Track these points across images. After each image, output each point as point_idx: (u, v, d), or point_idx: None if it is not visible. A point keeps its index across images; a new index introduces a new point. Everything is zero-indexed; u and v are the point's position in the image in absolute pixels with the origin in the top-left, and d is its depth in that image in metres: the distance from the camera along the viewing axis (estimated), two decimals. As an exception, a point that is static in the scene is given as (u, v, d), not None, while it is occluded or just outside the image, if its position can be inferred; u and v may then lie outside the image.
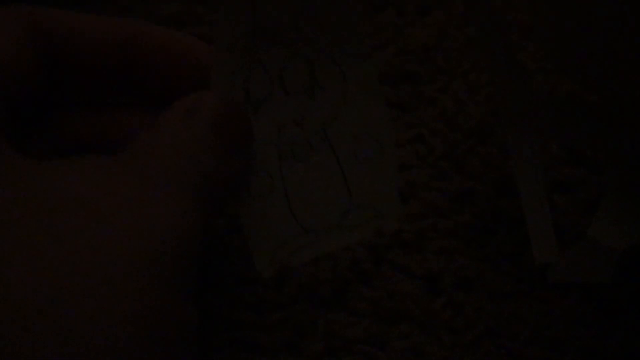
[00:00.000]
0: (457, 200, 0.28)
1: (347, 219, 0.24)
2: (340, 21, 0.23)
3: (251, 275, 0.26)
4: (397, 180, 0.25)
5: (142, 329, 0.18)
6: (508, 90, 0.25)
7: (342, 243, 0.25)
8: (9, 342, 0.17)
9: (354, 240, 0.25)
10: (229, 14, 0.22)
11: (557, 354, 0.25)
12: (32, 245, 0.18)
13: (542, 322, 0.25)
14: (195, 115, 0.21)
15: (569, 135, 0.26)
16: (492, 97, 0.30)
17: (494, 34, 0.25)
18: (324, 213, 0.24)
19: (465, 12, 0.32)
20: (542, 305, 0.26)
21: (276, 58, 0.23)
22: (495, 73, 0.25)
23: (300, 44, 0.23)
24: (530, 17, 0.24)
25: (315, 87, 0.23)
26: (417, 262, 0.27)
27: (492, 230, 0.27)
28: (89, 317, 0.17)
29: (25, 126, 0.22)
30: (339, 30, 0.23)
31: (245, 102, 0.23)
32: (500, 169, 0.29)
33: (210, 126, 0.21)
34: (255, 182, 0.23)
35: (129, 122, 0.24)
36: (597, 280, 0.25)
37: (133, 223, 0.19)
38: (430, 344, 0.25)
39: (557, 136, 0.26)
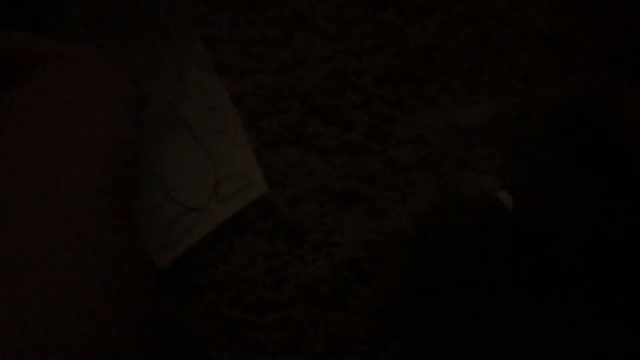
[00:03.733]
0: (458, 199, 0.28)
1: (220, 191, 0.25)
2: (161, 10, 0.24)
3: (251, 275, 0.26)
4: (249, 145, 0.26)
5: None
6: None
7: (225, 215, 0.25)
8: None
9: (234, 210, 0.25)
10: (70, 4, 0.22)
11: (557, 354, 0.25)
12: None
13: (542, 322, 0.25)
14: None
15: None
16: (493, 96, 0.30)
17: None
18: (198, 189, 0.25)
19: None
20: (542, 305, 0.26)
21: (120, 44, 0.23)
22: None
23: (136, 32, 0.24)
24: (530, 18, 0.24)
25: (158, 67, 0.24)
26: (417, 262, 0.27)
27: (492, 230, 0.27)
28: (40, 241, 0.17)
29: None
30: (161, 16, 0.24)
31: None
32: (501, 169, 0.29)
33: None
34: None
35: None
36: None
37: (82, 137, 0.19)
38: (430, 344, 0.25)
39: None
